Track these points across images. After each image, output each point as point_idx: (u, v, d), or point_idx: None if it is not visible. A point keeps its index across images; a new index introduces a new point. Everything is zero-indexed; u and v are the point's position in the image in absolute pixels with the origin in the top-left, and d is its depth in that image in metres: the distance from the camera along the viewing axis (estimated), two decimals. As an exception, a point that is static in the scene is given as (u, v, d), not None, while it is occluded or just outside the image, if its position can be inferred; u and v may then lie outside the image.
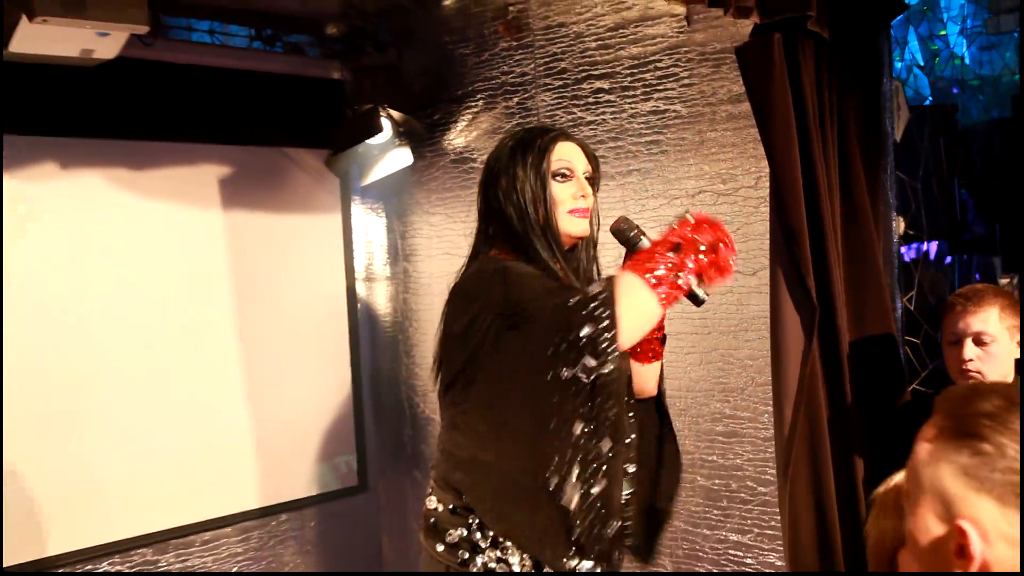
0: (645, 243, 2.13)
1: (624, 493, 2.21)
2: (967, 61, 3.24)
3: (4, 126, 3.29)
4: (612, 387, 1.91)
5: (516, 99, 3.86)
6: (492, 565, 2.08)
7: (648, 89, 3.43)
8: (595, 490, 1.93)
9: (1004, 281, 3.29)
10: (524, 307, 1.98)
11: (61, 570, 3.51)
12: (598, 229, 2.30)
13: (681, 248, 1.93)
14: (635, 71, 3.47)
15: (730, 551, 3.32)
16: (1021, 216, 3.03)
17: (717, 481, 3.34)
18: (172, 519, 3.79)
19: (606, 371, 1.86)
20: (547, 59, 3.73)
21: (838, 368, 2.73)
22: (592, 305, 1.84)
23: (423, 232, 4.28)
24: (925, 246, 3.17)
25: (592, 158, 2.27)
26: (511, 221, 2.18)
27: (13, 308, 3.37)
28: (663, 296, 1.89)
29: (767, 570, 3.23)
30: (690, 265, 1.91)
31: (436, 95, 4.11)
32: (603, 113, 3.58)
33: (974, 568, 1.06)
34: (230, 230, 3.99)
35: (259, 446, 4.07)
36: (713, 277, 2.01)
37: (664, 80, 3.38)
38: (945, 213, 3.09)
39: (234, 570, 3.99)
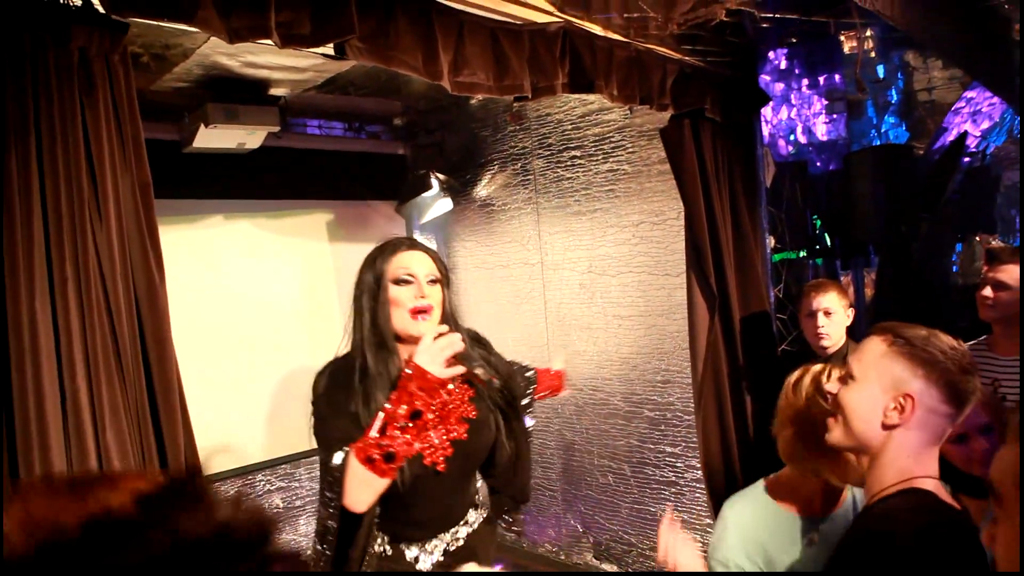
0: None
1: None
2: (814, 131, 3.30)
3: (188, 193, 3.36)
4: (329, 543, 1.66)
5: (519, 164, 3.87)
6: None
7: (605, 155, 3.46)
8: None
9: (844, 277, 3.36)
10: (319, 449, 1.71)
11: (229, 480, 3.52)
12: (450, 315, 1.80)
13: (391, 423, 1.56)
14: (597, 143, 3.49)
15: (667, 458, 3.35)
16: (849, 234, 3.11)
17: (657, 413, 3.37)
18: (302, 445, 3.70)
19: (328, 530, 1.65)
20: (539, 137, 3.76)
21: (732, 336, 2.78)
22: (332, 477, 1.61)
23: (461, 253, 4.28)
24: (794, 255, 3.21)
25: (437, 262, 1.77)
26: (357, 319, 1.75)
27: (202, 301, 3.42)
28: (383, 472, 1.56)
29: (691, 472, 3.29)
30: (399, 442, 1.56)
31: (467, 163, 4.12)
32: (576, 172, 3.60)
33: (904, 419, 1.15)
34: (334, 256, 4.00)
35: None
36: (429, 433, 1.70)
37: (616, 149, 3.42)
38: (801, 233, 3.13)
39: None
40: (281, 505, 3.73)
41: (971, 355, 1.19)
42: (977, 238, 3.43)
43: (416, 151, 4.30)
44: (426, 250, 1.79)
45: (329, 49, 1.85)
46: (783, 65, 3.18)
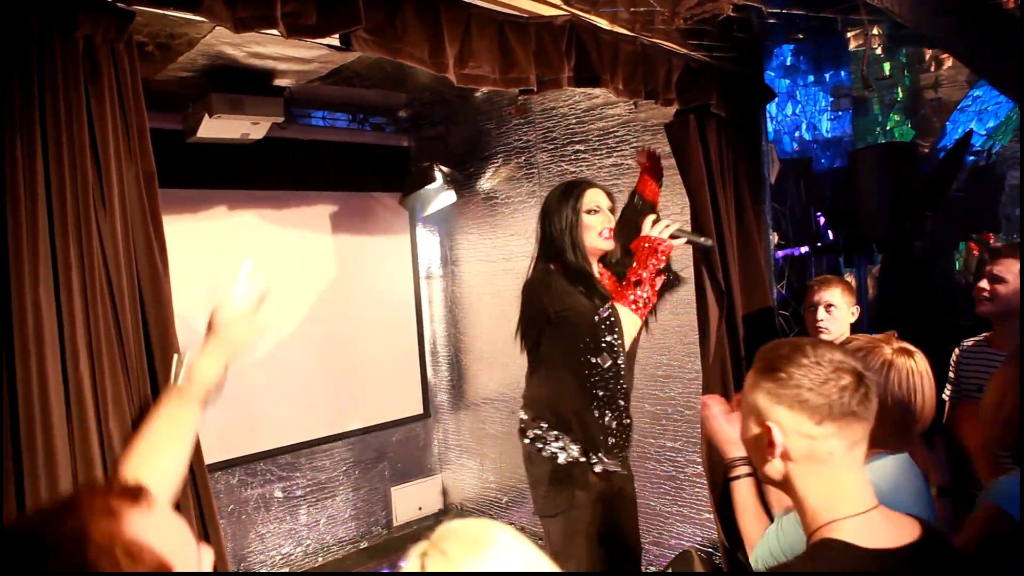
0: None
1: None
2: (819, 128, 3.28)
3: (192, 183, 3.34)
4: (619, 370, 2.10)
5: (524, 157, 3.86)
6: (555, 451, 2.22)
7: (610, 150, 3.44)
8: (612, 424, 2.19)
9: (847, 274, 3.34)
10: (568, 314, 2.10)
11: (230, 470, 3.57)
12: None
13: (641, 282, 2.09)
14: (601, 138, 3.48)
15: (667, 453, 3.35)
16: (853, 231, 3.09)
17: (658, 407, 3.36)
18: (303, 436, 3.82)
19: (618, 362, 2.08)
20: (544, 131, 3.74)
21: (735, 332, 2.75)
22: (609, 322, 2.04)
23: (463, 246, 4.27)
24: (797, 251, 3.21)
25: (610, 196, 2.29)
26: (555, 241, 2.22)
27: (203, 292, 3.44)
28: (640, 315, 2.09)
29: (691, 467, 3.28)
30: (649, 290, 2.09)
31: (471, 155, 4.10)
32: (580, 166, 3.58)
33: (778, 452, 1.06)
34: (338, 247, 4.00)
35: (359, 389, 4.06)
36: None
37: (620, 144, 3.40)
38: (805, 229, 3.12)
39: (343, 469, 3.98)
40: (281, 496, 3.73)
41: (842, 361, 1.05)
42: (981, 237, 3.41)
43: (420, 143, 4.29)
44: (602, 188, 2.29)
45: (335, 40, 1.83)
46: (789, 61, 3.16)
